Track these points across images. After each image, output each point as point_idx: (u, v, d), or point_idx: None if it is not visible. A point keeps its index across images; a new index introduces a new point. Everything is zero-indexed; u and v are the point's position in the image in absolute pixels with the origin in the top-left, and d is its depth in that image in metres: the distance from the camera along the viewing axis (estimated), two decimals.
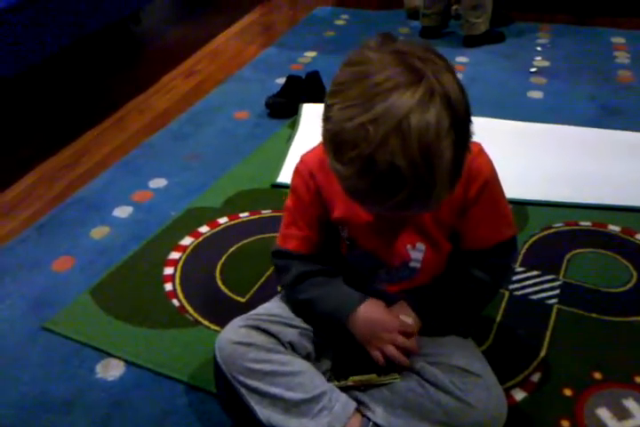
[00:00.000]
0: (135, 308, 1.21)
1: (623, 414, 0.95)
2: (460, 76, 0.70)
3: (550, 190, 1.49)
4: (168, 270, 1.30)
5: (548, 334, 1.10)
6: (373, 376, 0.89)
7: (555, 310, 1.15)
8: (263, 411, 0.86)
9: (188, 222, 1.45)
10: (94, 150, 1.82)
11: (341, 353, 0.96)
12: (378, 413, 0.86)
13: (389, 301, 0.91)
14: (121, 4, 2.25)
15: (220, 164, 1.68)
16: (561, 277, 1.23)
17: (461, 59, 2.27)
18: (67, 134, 1.89)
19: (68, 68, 2.37)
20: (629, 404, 0.97)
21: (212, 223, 1.44)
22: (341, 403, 0.86)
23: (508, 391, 0.98)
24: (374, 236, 0.89)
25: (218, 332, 0.97)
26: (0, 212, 1.56)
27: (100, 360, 1.10)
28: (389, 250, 0.89)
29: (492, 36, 2.39)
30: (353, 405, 0.87)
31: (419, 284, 0.92)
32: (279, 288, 1.18)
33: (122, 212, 1.52)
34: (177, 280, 1.27)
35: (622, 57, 2.23)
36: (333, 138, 0.69)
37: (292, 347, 0.91)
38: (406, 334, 0.87)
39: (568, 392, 0.99)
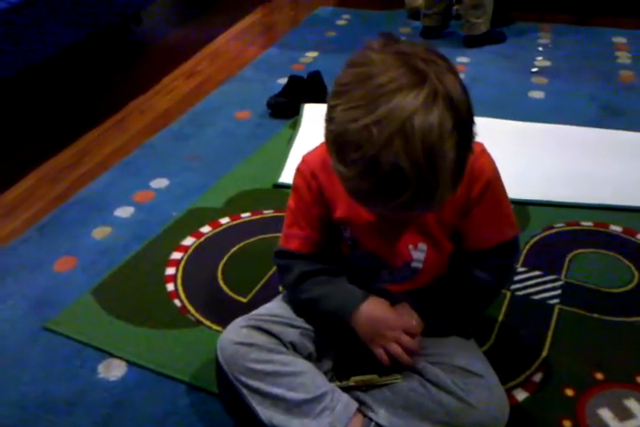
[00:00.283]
0: (137, 308, 1.21)
1: (625, 414, 0.95)
2: (460, 76, 0.70)
3: (552, 190, 1.49)
4: (170, 271, 1.30)
5: (550, 334, 1.10)
6: (375, 377, 0.89)
7: (556, 311, 1.15)
8: (265, 411, 0.86)
9: (189, 223, 1.45)
10: (96, 151, 1.82)
11: (343, 353, 0.96)
12: (379, 413, 0.86)
13: (391, 301, 0.91)
14: (122, 5, 2.25)
15: (221, 164, 1.69)
16: (562, 278, 1.23)
17: (462, 59, 2.27)
18: (68, 135, 1.89)
19: (69, 68, 2.37)
20: (631, 404, 0.97)
21: (214, 223, 1.44)
22: (343, 403, 0.86)
23: (509, 392, 0.98)
24: (376, 236, 0.89)
25: (219, 332, 0.97)
26: (2, 212, 1.56)
27: (102, 360, 1.10)
28: (391, 250, 0.89)
29: (492, 37, 2.38)
30: (355, 405, 0.87)
31: (421, 284, 0.92)
32: (281, 288, 1.18)
33: (123, 212, 1.52)
34: (179, 280, 1.27)
35: (623, 57, 2.23)
36: (336, 139, 0.69)
37: (294, 347, 0.91)
38: (410, 334, 0.87)
39: (570, 392, 0.99)
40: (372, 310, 0.89)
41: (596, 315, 1.14)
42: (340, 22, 2.70)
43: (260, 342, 0.89)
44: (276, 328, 0.91)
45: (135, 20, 2.69)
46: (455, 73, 0.69)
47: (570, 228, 1.38)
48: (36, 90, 2.22)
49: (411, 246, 0.89)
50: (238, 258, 1.33)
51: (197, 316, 1.18)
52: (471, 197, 0.84)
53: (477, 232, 0.88)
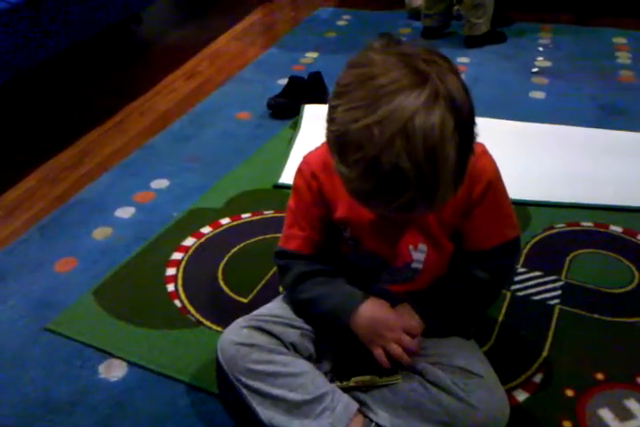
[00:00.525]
0: (137, 308, 1.21)
1: (625, 414, 0.95)
2: (461, 76, 0.70)
3: (552, 191, 1.49)
4: (170, 271, 1.30)
5: (550, 334, 1.10)
6: (375, 377, 0.89)
7: (557, 311, 1.15)
8: (265, 412, 0.86)
9: (190, 223, 1.45)
10: (96, 152, 1.82)
11: (343, 354, 0.96)
12: (380, 414, 0.87)
13: (392, 301, 0.91)
14: (122, 6, 2.25)
15: (221, 164, 1.69)
16: (563, 278, 1.23)
17: (463, 59, 2.27)
18: (68, 136, 1.89)
19: (69, 68, 2.38)
20: (631, 404, 0.97)
21: (214, 224, 1.44)
22: (343, 404, 0.86)
23: (509, 392, 0.98)
24: (376, 236, 0.89)
25: (220, 333, 0.97)
26: (2, 213, 1.56)
27: (103, 361, 1.10)
28: (391, 250, 0.89)
29: (493, 37, 2.39)
30: (355, 405, 0.87)
31: (421, 285, 0.92)
32: (281, 289, 1.18)
33: (124, 212, 1.52)
34: (179, 281, 1.27)
35: (624, 57, 2.23)
36: (338, 139, 0.69)
37: (294, 348, 0.91)
38: (410, 335, 0.87)
39: (570, 393, 0.99)
40: (372, 310, 0.89)
41: (596, 315, 1.14)
42: (341, 23, 2.70)
43: (260, 342, 0.89)
44: (276, 329, 0.91)
45: (135, 21, 2.70)
46: (457, 73, 0.69)
47: (570, 228, 1.38)
48: (36, 91, 2.22)
49: (411, 247, 0.89)
50: (239, 258, 1.33)
51: (198, 316, 1.18)
52: (472, 197, 0.84)
53: (478, 233, 0.88)
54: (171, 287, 1.26)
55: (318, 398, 0.85)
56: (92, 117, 2.00)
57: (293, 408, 0.85)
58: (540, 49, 2.34)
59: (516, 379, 1.02)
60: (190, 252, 1.36)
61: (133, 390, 1.04)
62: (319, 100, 1.88)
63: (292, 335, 0.91)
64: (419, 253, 0.89)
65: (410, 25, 2.63)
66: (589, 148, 1.66)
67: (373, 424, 0.86)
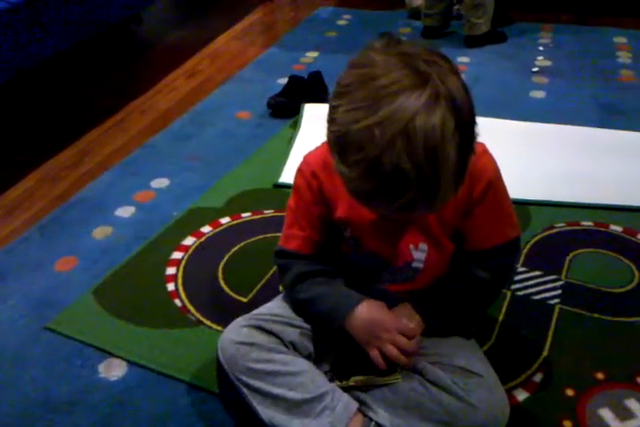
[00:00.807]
0: (138, 308, 1.21)
1: (625, 414, 0.95)
2: (462, 76, 0.70)
3: (552, 190, 1.49)
4: (170, 270, 1.30)
5: (550, 334, 1.10)
6: (375, 377, 0.89)
7: (557, 310, 1.15)
8: (265, 411, 0.86)
9: (190, 222, 1.45)
10: (96, 151, 1.82)
11: (343, 353, 0.96)
12: (380, 413, 0.86)
13: (392, 301, 0.91)
14: (123, 6, 2.25)
15: (221, 164, 1.69)
16: (563, 278, 1.23)
17: (463, 59, 2.27)
18: (68, 135, 1.89)
19: (69, 68, 2.38)
20: (632, 404, 0.97)
21: (215, 223, 1.44)
22: (343, 403, 0.86)
23: (510, 391, 0.98)
24: (377, 235, 0.89)
25: (220, 332, 0.97)
26: (2, 212, 1.56)
27: (103, 360, 1.10)
28: (392, 250, 0.89)
29: (493, 36, 2.39)
30: (355, 405, 0.87)
31: (421, 284, 0.92)
32: (281, 288, 1.18)
33: (124, 212, 1.52)
34: (179, 280, 1.27)
35: (624, 57, 2.23)
36: (339, 140, 0.70)
37: (294, 347, 0.91)
38: (406, 336, 0.86)
39: (570, 392, 0.99)
40: (369, 312, 0.88)
41: (596, 315, 1.14)
42: (341, 22, 2.70)
43: (260, 341, 0.89)
44: (276, 328, 0.91)
45: (135, 20, 2.70)
46: (457, 74, 0.69)
47: (570, 228, 1.38)
48: (36, 90, 2.22)
49: (412, 246, 0.89)
50: (239, 258, 1.33)
51: (198, 315, 1.18)
52: (473, 197, 0.84)
53: (479, 232, 0.88)
54: (171, 287, 1.26)
55: (318, 398, 0.85)
56: (93, 117, 2.00)
57: (293, 407, 0.85)
58: (541, 48, 2.34)
59: (516, 378, 1.02)
60: (190, 251, 1.36)
61: (133, 389, 1.04)
62: (319, 99, 1.88)
63: (292, 334, 0.91)
64: (419, 253, 0.89)
65: (410, 24, 2.63)
66: (589, 147, 1.66)
67: (373, 423, 0.86)
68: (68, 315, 1.20)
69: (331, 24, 2.69)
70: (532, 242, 1.33)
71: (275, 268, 1.18)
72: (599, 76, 2.09)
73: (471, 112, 0.69)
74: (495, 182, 0.85)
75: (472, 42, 2.37)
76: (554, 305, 1.17)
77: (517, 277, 1.23)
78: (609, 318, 1.13)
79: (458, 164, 0.67)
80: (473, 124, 0.70)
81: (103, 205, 1.55)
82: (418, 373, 0.88)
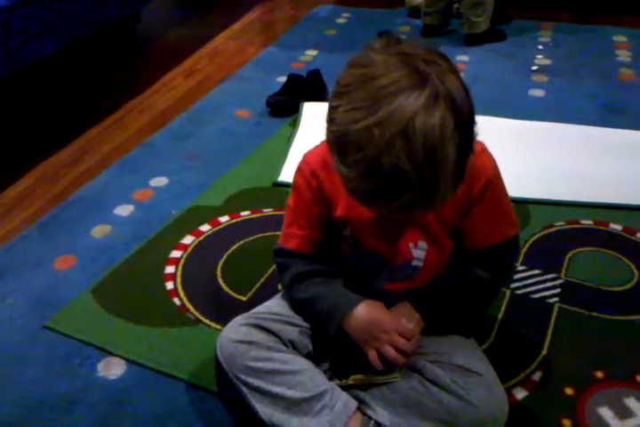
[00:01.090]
0: (136, 306, 1.21)
1: (625, 413, 0.95)
2: (461, 75, 0.70)
3: (551, 189, 1.49)
4: (169, 269, 1.30)
5: (550, 332, 1.10)
6: (374, 375, 0.89)
7: (556, 309, 1.15)
8: (264, 410, 0.86)
9: (189, 221, 1.45)
10: (95, 149, 1.82)
11: (342, 352, 0.96)
12: (379, 411, 0.86)
13: (390, 300, 0.91)
14: (121, 4, 2.24)
15: (220, 162, 1.68)
16: (562, 276, 1.23)
17: (462, 57, 2.27)
18: (67, 133, 1.89)
19: (68, 66, 2.37)
20: (631, 403, 0.97)
21: (214, 222, 1.44)
22: (342, 402, 0.86)
23: (509, 390, 0.98)
24: (376, 234, 0.89)
25: (219, 330, 0.97)
26: (1, 211, 1.56)
27: (102, 359, 1.10)
28: (391, 248, 0.89)
29: (493, 35, 2.39)
30: (354, 403, 0.87)
31: (420, 283, 0.92)
32: (280, 286, 1.18)
33: (123, 210, 1.52)
34: (178, 279, 1.27)
35: (624, 55, 2.24)
36: (338, 140, 0.69)
37: (293, 345, 0.91)
38: (405, 337, 0.86)
39: (569, 391, 0.99)
40: (367, 312, 0.88)
41: (595, 313, 1.14)
42: (340, 21, 2.70)
43: (259, 340, 0.89)
44: (275, 326, 0.91)
45: (134, 19, 2.69)
46: (457, 73, 0.69)
47: (570, 226, 1.38)
48: (35, 88, 2.22)
49: (411, 244, 0.89)
50: (238, 256, 1.33)
51: (197, 314, 1.18)
52: (472, 195, 0.84)
53: (478, 231, 0.88)
54: (170, 285, 1.26)
55: (317, 396, 0.85)
56: (92, 115, 2.00)
57: (292, 406, 0.85)
58: (540, 47, 2.34)
59: (516, 377, 1.02)
60: (189, 250, 1.36)
61: (132, 388, 1.04)
62: (318, 98, 1.88)
63: (291, 333, 0.91)
64: (419, 251, 0.89)
65: (409, 23, 2.63)
66: (589, 146, 1.66)
67: (372, 422, 0.86)
68: (67, 313, 1.20)
69: (330, 22, 2.68)
70: (531, 240, 1.33)
71: (274, 266, 1.19)
72: (599, 74, 2.09)
73: (471, 112, 0.69)
74: (494, 181, 0.85)
75: (471, 40, 2.37)
76: (553, 304, 1.17)
77: (517, 276, 1.23)
78: (608, 316, 1.13)
79: (457, 164, 0.67)
80: (472, 123, 0.70)
81: (102, 203, 1.55)
82: (417, 371, 0.87)
